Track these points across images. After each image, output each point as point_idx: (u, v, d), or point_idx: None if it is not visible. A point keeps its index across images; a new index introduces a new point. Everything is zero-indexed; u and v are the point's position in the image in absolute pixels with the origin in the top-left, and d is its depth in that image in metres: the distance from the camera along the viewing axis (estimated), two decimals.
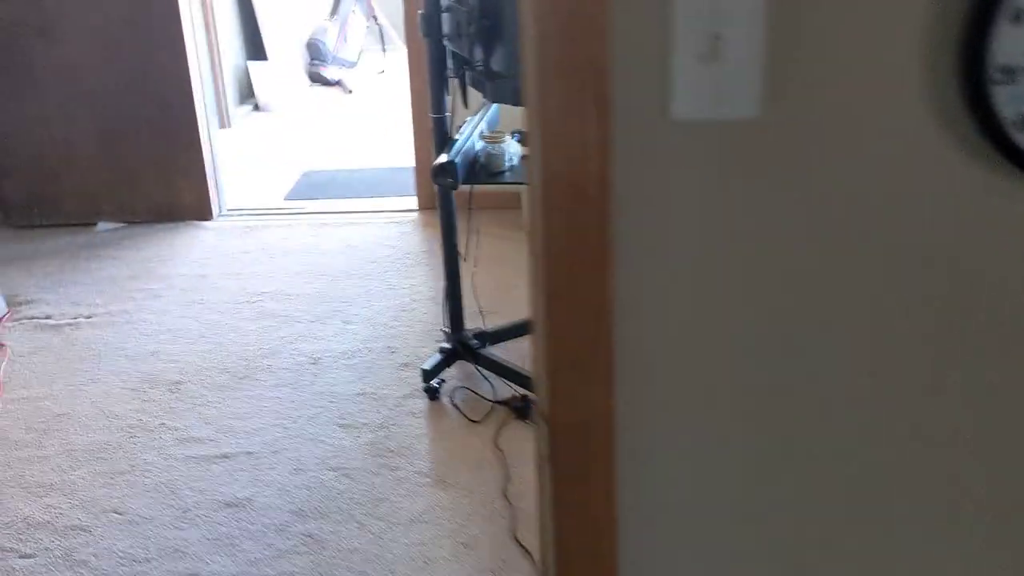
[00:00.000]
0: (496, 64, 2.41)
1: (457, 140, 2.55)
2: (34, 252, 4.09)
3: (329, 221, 4.30)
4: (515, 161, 2.63)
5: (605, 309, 1.00)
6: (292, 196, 4.75)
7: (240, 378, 3.01)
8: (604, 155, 0.94)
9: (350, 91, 6.93)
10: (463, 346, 2.88)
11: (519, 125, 2.92)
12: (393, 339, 3.22)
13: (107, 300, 3.60)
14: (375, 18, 7.48)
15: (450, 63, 2.62)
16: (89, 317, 3.47)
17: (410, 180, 4.79)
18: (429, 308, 3.43)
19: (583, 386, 1.02)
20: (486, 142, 2.58)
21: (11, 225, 4.33)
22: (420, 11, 2.57)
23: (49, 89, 4.15)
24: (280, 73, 6.44)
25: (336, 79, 7.12)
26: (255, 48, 6.62)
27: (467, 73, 2.58)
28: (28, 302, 3.60)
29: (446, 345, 2.91)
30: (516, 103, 2.37)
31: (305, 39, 7.10)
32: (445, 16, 2.54)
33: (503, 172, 2.60)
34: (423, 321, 3.34)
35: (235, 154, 5.39)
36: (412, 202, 4.50)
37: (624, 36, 0.92)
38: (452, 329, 2.91)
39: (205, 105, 4.29)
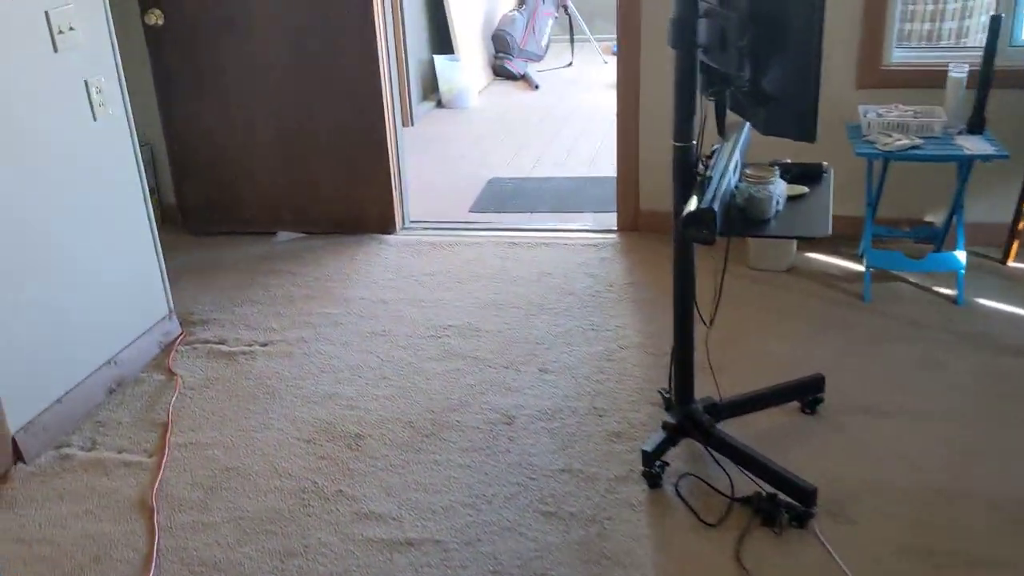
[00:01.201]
0: (771, 85, 1.88)
1: (711, 177, 2.04)
2: (211, 263, 3.86)
3: (519, 241, 3.87)
4: (781, 206, 2.09)
5: None
6: (477, 208, 4.35)
7: (425, 436, 2.62)
8: None
9: (536, 86, 6.50)
10: (691, 421, 2.37)
11: (773, 153, 2.38)
12: (599, 397, 2.75)
13: (284, 324, 3.30)
14: (565, 7, 7.01)
15: (702, 80, 2.10)
16: (264, 345, 3.17)
17: (607, 194, 4.30)
18: (639, 358, 2.94)
19: None
20: (748, 182, 2.05)
21: (190, 231, 4.13)
22: (670, 17, 2.07)
23: (233, 88, 3.90)
24: (466, 67, 6.08)
25: (522, 72, 6.72)
26: (440, 41, 6.29)
27: (727, 94, 2.06)
28: (202, 322, 3.35)
29: (670, 419, 2.41)
30: (800, 136, 1.84)
31: (491, 31, 6.72)
32: (702, 23, 2.02)
33: (767, 221, 2.07)
34: (633, 376, 2.85)
35: (417, 155, 5.06)
36: (611, 220, 4.02)
37: None
38: (678, 400, 2.41)
39: (394, 109, 3.94)
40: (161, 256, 3.23)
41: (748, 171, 2.08)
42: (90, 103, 2.89)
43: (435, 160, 5.09)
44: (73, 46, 2.79)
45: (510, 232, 3.98)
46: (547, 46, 7.01)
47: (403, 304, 3.40)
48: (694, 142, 2.16)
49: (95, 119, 2.91)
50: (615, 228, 3.91)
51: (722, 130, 2.15)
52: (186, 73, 3.89)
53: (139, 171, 3.13)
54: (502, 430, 2.62)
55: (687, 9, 2.03)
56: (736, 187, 2.11)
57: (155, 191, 4.22)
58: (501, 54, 6.69)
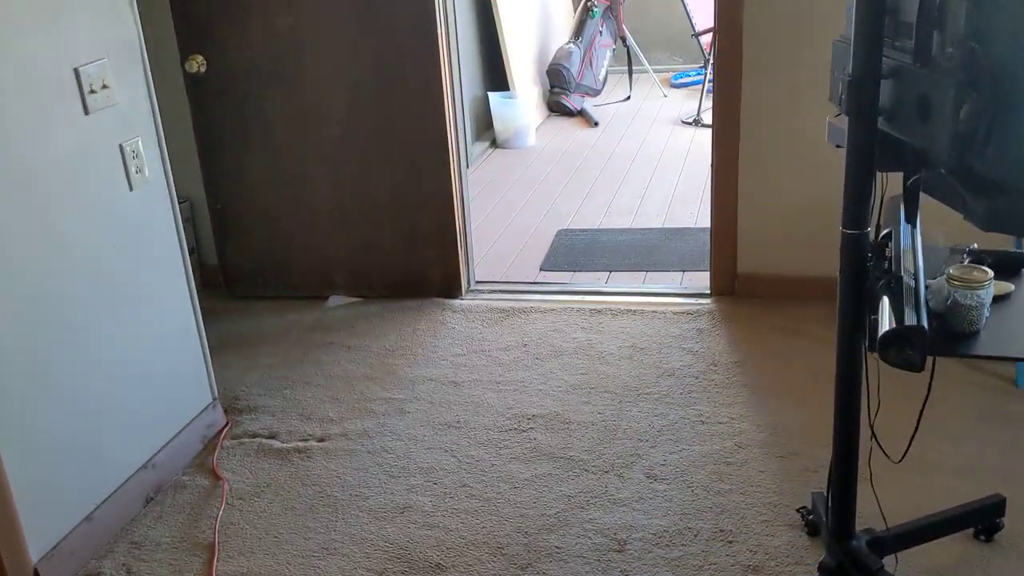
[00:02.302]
0: (1000, 167, 1.45)
1: (901, 278, 1.60)
2: (257, 332, 3.47)
3: (601, 307, 3.45)
4: (988, 314, 1.65)
5: None
6: (549, 265, 3.94)
7: (520, 568, 2.19)
8: None
9: (595, 123, 6.10)
10: (854, 564, 1.93)
11: (960, 238, 1.94)
12: (724, 515, 2.31)
13: (342, 413, 2.90)
14: (623, 38, 6.62)
15: (883, 153, 1.68)
16: (322, 440, 2.76)
17: (693, 249, 3.87)
18: (764, 461, 2.50)
19: None
20: (953, 285, 1.62)
21: (234, 295, 3.75)
22: (844, 76, 1.65)
23: (282, 141, 3.52)
24: (522, 105, 5.69)
25: (579, 108, 6.32)
26: (494, 77, 5.91)
27: (924, 175, 1.63)
28: (250, 409, 2.95)
29: (828, 561, 1.96)
30: None
31: (545, 65, 6.34)
32: (887, 85, 1.60)
33: (975, 333, 1.63)
34: (760, 486, 2.41)
35: (475, 203, 4.66)
36: (701, 280, 3.59)
37: None
38: (836, 534, 1.97)
39: (459, 159, 3.55)
40: (204, 336, 2.85)
41: (953, 272, 1.64)
42: (125, 170, 2.51)
43: (496, 209, 4.69)
44: (107, 106, 2.43)
45: (589, 296, 3.56)
46: (604, 79, 6.61)
47: (477, 387, 2.98)
48: (868, 229, 1.73)
49: (131, 188, 2.53)
50: (708, 292, 3.48)
51: (912, 217, 1.72)
52: (230, 125, 3.53)
53: (180, 243, 2.75)
54: (613, 560, 2.18)
55: (868, 67, 1.61)
56: (926, 286, 1.68)
57: (195, 251, 3.86)
58: (557, 89, 6.30)
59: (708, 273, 3.54)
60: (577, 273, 3.84)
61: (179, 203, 3.76)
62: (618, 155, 5.45)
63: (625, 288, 3.62)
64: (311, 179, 3.56)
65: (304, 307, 3.65)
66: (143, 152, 2.57)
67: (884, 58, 1.61)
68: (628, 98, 6.66)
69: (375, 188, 3.54)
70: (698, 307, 3.38)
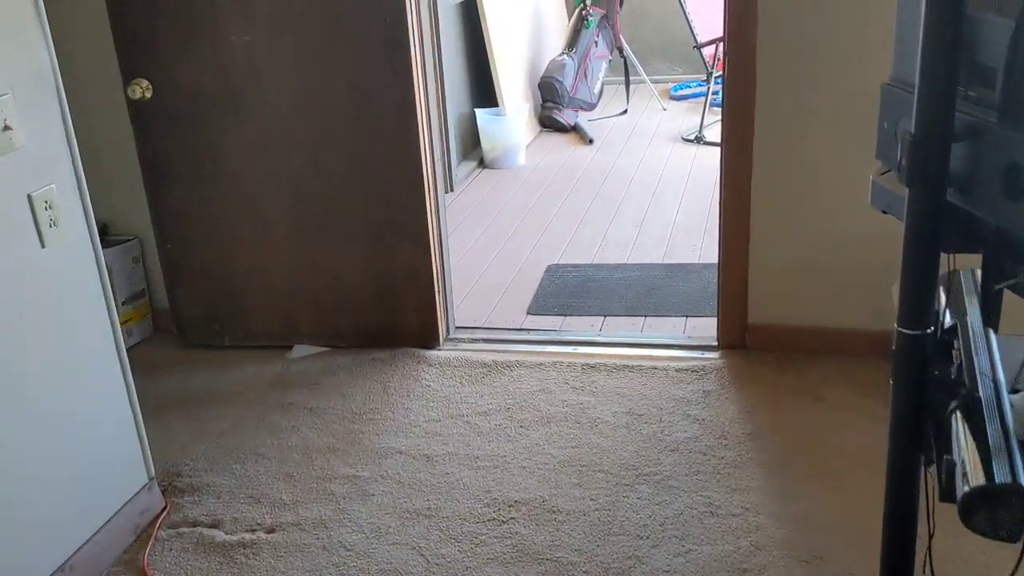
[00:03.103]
0: None
1: (985, 402, 1.23)
2: (209, 390, 3.10)
3: (595, 360, 3.07)
4: None
5: None
6: (536, 308, 3.56)
7: None
8: None
9: (590, 140, 5.72)
10: None
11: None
12: None
13: (297, 495, 2.52)
14: (620, 49, 6.24)
15: (951, 233, 1.31)
16: (271, 532, 2.38)
17: (696, 290, 3.50)
18: (786, 566, 2.12)
19: None
20: None
21: (188, 344, 3.37)
22: (898, 129, 1.28)
23: (239, 172, 3.15)
24: (512, 123, 5.32)
25: (572, 123, 5.94)
26: (481, 92, 5.54)
27: (1021, 278, 1.26)
28: (192, 489, 2.58)
29: None
30: None
31: (537, 78, 5.96)
32: (960, 149, 1.23)
33: None
34: None
35: (459, 232, 4.30)
36: (706, 328, 3.22)
37: None
38: None
39: (437, 192, 3.17)
40: (138, 410, 2.47)
41: None
42: (36, 224, 2.14)
43: (482, 239, 4.31)
44: (9, 150, 2.05)
45: (581, 348, 3.19)
46: (600, 93, 6.24)
47: (453, 462, 2.61)
48: (930, 330, 1.36)
49: (43, 245, 2.16)
50: (715, 343, 3.11)
51: (994, 321, 1.35)
52: (180, 156, 3.15)
53: (107, 303, 2.37)
54: None
55: (937, 125, 1.23)
56: (1010, 405, 1.31)
57: (145, 293, 3.48)
58: (549, 103, 5.92)
59: (714, 320, 3.17)
60: (568, 318, 3.47)
61: (127, 241, 3.42)
62: (614, 176, 5.07)
63: (621, 338, 3.25)
64: (271, 215, 3.19)
65: (264, 358, 3.27)
66: (58, 202, 2.19)
67: (960, 113, 1.25)
68: (625, 112, 6.29)
69: (343, 225, 3.16)
70: (704, 363, 3.01)
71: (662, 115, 6.25)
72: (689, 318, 3.38)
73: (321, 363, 3.22)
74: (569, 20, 6.34)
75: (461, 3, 5.26)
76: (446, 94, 4.90)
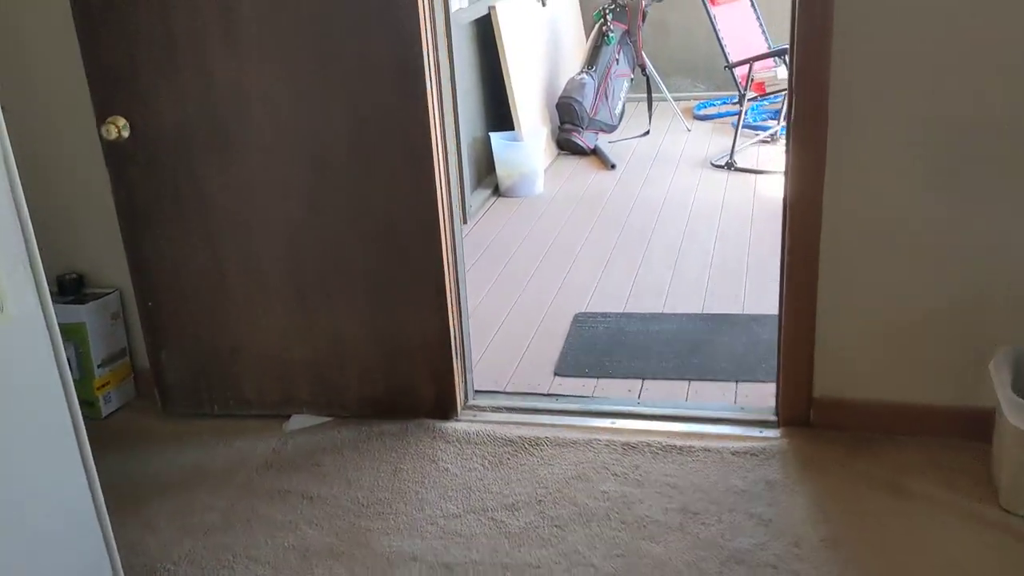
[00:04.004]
0: None
1: None
2: (196, 470, 2.70)
3: (635, 438, 2.68)
4: None
5: None
6: (565, 368, 3.16)
7: None
8: None
9: (612, 165, 5.34)
10: None
11: None
12: None
13: None
14: (643, 67, 5.85)
15: None
16: None
17: (745, 346, 3.11)
18: None
19: None
20: None
21: (173, 414, 2.98)
22: None
23: (229, 221, 2.76)
24: (530, 148, 4.93)
25: (592, 146, 5.56)
26: (496, 115, 5.15)
27: None
28: None
29: None
30: None
31: (555, 98, 5.58)
32: None
33: None
34: None
35: (475, 272, 3.91)
36: (761, 396, 2.83)
37: None
38: None
39: (455, 243, 2.79)
40: (103, 506, 2.07)
41: None
42: None
43: (499, 281, 3.92)
44: None
45: (619, 421, 2.79)
46: (621, 114, 5.85)
47: (477, 574, 2.21)
48: None
49: None
50: (774, 418, 2.71)
51: None
52: (161, 202, 2.76)
53: (66, 391, 1.97)
54: None
55: None
56: None
57: (126, 352, 3.10)
58: (568, 125, 5.53)
59: (769, 387, 2.79)
60: (602, 380, 3.07)
61: (105, 295, 3.03)
62: (640, 208, 4.68)
63: (664, 409, 2.84)
64: (264, 267, 2.80)
65: (258, 431, 2.88)
66: (2, 280, 1.81)
67: None
68: (647, 133, 5.91)
69: (346, 278, 2.77)
70: (763, 444, 2.61)
71: (687, 136, 5.87)
72: (740, 383, 2.98)
73: (322, 437, 2.83)
74: (588, 36, 5.96)
75: (475, 20, 4.88)
76: (459, 118, 4.52)
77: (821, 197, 2.48)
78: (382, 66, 2.55)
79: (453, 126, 2.74)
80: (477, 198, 4.85)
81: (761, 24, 5.56)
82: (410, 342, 2.82)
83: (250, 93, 2.62)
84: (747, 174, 5.04)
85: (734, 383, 2.99)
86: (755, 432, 2.67)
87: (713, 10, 5.23)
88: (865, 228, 2.48)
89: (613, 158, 5.39)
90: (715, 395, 2.94)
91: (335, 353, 2.86)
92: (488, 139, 4.97)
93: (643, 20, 5.82)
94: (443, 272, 2.75)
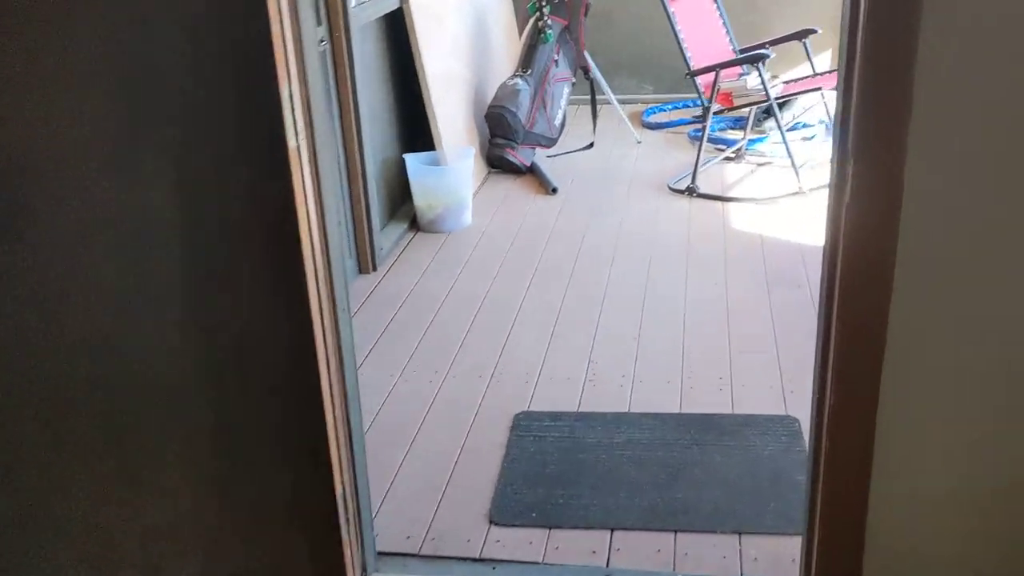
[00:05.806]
0: None
1: None
2: None
3: None
4: None
5: None
6: (503, 515, 2.29)
7: None
8: None
9: (553, 189, 4.49)
10: None
11: None
12: None
13: None
14: (586, 70, 5.00)
15: None
16: None
17: (742, 476, 2.30)
18: None
19: None
20: None
21: None
22: None
23: (12, 327, 1.83)
24: (454, 174, 4.05)
25: (528, 164, 4.71)
26: (411, 132, 4.26)
27: None
28: None
29: None
30: None
31: (484, 108, 4.70)
32: None
33: None
34: None
35: (380, 352, 3.03)
36: (777, 554, 2.03)
37: None
38: None
39: (341, 357, 1.91)
40: None
41: None
42: None
43: (413, 363, 3.05)
44: None
45: None
46: (562, 125, 5.00)
47: None
48: None
49: None
50: None
51: None
52: None
53: None
54: None
55: None
56: None
57: None
58: (500, 139, 4.66)
59: (785, 542, 2.00)
60: (555, 532, 2.23)
61: None
62: (590, 250, 3.84)
63: None
64: (57, 412, 1.88)
65: None
66: None
67: None
68: (591, 145, 5.07)
69: (174, 430, 1.88)
70: None
71: (637, 150, 5.06)
72: (743, 535, 2.17)
73: None
74: (522, 33, 5.08)
75: (384, 16, 3.96)
76: (364, 137, 3.62)
77: (894, 258, 1.64)
78: (225, 114, 1.65)
79: (322, 200, 1.84)
80: (390, 235, 3.96)
81: (726, 24, 4.75)
82: (279, 507, 1.94)
83: (29, 169, 1.69)
84: (712, 200, 4.25)
85: (735, 535, 2.17)
86: None
87: (671, 7, 4.40)
88: (944, 377, 1.67)
89: (554, 180, 4.55)
90: (710, 554, 2.12)
91: (164, 534, 1.96)
92: (402, 162, 4.08)
93: (585, 14, 4.96)
94: (322, 408, 1.87)
